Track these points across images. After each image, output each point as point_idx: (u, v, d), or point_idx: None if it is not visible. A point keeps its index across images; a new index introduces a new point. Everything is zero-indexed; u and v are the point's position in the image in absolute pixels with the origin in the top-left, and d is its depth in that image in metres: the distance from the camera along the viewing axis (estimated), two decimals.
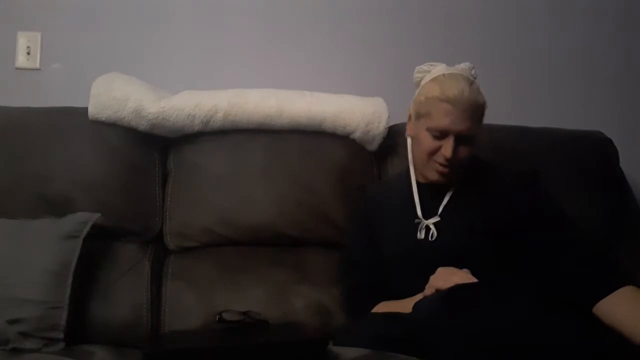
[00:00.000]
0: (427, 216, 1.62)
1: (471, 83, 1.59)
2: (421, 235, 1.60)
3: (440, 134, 1.56)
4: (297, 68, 2.18)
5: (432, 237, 1.59)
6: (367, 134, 1.92)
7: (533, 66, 2.28)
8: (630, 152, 2.12)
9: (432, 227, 1.59)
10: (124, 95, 1.85)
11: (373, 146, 1.95)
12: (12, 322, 1.54)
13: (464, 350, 1.24)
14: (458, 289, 1.36)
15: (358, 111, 1.92)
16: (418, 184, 1.67)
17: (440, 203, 1.62)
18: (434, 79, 1.61)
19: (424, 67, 1.67)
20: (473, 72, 1.65)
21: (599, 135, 2.08)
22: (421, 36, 2.23)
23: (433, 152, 1.58)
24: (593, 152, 2.04)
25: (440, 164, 1.58)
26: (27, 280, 1.59)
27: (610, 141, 2.07)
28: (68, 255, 1.64)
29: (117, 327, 1.68)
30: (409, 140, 1.71)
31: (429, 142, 1.58)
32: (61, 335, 1.57)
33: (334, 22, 2.22)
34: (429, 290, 1.47)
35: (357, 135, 1.93)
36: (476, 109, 1.58)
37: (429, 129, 1.58)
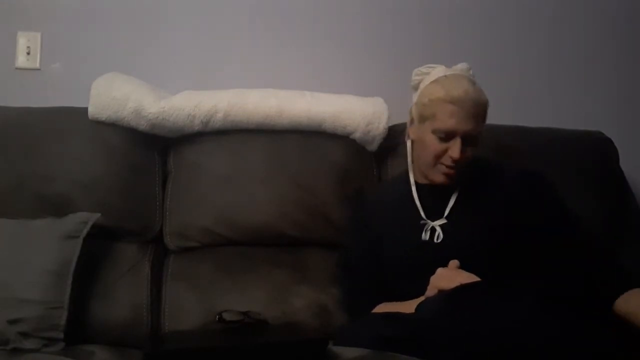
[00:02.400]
0: (431, 218, 1.61)
1: (474, 83, 1.59)
2: (426, 236, 1.59)
3: (446, 136, 1.56)
4: (297, 68, 2.18)
5: (437, 239, 1.58)
6: (367, 134, 1.92)
7: (533, 66, 2.28)
8: (630, 152, 2.12)
9: (437, 228, 1.59)
10: (124, 95, 1.85)
11: (373, 146, 1.95)
12: (12, 322, 1.54)
13: (466, 349, 1.24)
14: (461, 289, 1.36)
15: (358, 111, 1.92)
16: (419, 185, 1.67)
17: (445, 205, 1.61)
18: (436, 81, 1.60)
19: (423, 69, 1.67)
20: (471, 72, 1.65)
21: (599, 135, 2.09)
22: (421, 36, 2.23)
23: (440, 155, 1.58)
24: (593, 152, 2.04)
25: (447, 166, 1.58)
26: (27, 280, 1.59)
27: (610, 141, 2.07)
28: (68, 255, 1.64)
29: (117, 327, 1.68)
30: (408, 144, 1.70)
31: (435, 144, 1.58)
32: (61, 335, 1.57)
33: (334, 22, 2.22)
34: (431, 291, 1.46)
35: (357, 135, 1.93)
36: (480, 109, 1.58)
37: (434, 131, 1.57)
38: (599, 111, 2.27)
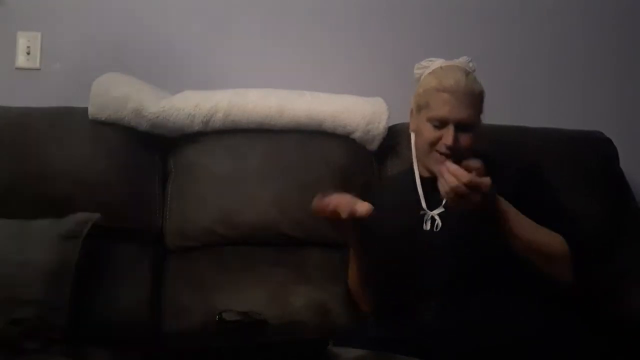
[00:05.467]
0: (431, 208, 1.62)
1: (468, 73, 1.61)
2: (427, 226, 1.60)
3: (440, 123, 1.58)
4: (297, 68, 2.18)
5: (436, 228, 1.59)
6: (367, 134, 1.92)
7: (533, 66, 2.28)
8: (630, 152, 2.12)
9: (436, 217, 1.60)
10: (124, 95, 1.85)
11: (373, 146, 1.95)
12: (12, 322, 1.54)
13: (465, 349, 1.24)
14: (459, 290, 1.36)
15: (358, 111, 1.92)
16: (422, 178, 1.68)
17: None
18: (432, 72, 1.64)
19: (423, 63, 1.70)
20: (471, 64, 1.67)
21: (599, 135, 2.09)
22: (421, 36, 2.23)
23: (434, 142, 1.60)
24: (593, 152, 2.04)
25: (442, 153, 1.59)
26: (27, 280, 1.59)
27: (610, 141, 2.07)
28: (68, 255, 1.64)
29: (117, 327, 1.68)
30: (412, 136, 1.71)
31: (429, 132, 1.60)
32: (61, 335, 1.57)
33: (334, 22, 2.22)
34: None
35: (357, 135, 1.93)
36: (474, 97, 1.60)
37: (429, 119, 1.60)
38: (599, 111, 2.27)
